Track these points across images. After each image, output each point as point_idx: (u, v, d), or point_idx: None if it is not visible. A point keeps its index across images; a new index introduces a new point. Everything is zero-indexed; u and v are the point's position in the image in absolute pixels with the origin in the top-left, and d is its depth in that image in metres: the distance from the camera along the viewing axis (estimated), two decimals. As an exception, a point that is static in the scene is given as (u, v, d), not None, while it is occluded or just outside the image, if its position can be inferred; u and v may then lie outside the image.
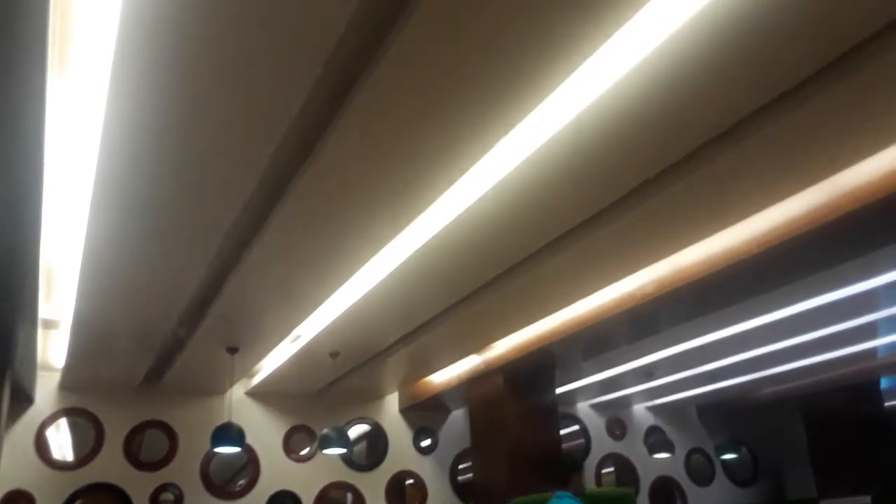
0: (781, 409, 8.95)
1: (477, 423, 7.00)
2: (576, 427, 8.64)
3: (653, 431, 9.03)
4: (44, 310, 4.89)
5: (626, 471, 8.69)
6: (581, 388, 7.93)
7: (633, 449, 8.84)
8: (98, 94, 2.60)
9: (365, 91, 2.60)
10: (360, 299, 4.73)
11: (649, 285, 4.62)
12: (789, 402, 8.69)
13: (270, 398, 7.44)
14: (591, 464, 8.53)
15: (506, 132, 2.95)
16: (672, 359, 6.87)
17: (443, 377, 7.04)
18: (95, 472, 6.58)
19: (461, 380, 6.78)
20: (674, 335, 6.15)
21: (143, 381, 6.69)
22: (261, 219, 3.65)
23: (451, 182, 3.36)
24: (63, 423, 6.72)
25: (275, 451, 7.32)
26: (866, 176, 3.38)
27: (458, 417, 8.11)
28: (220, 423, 6.17)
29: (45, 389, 6.60)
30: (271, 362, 6.51)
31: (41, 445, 6.49)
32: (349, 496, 7.56)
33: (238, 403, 7.16)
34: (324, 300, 4.80)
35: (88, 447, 6.66)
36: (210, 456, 6.99)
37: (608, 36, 2.43)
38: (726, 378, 7.76)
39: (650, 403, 9.03)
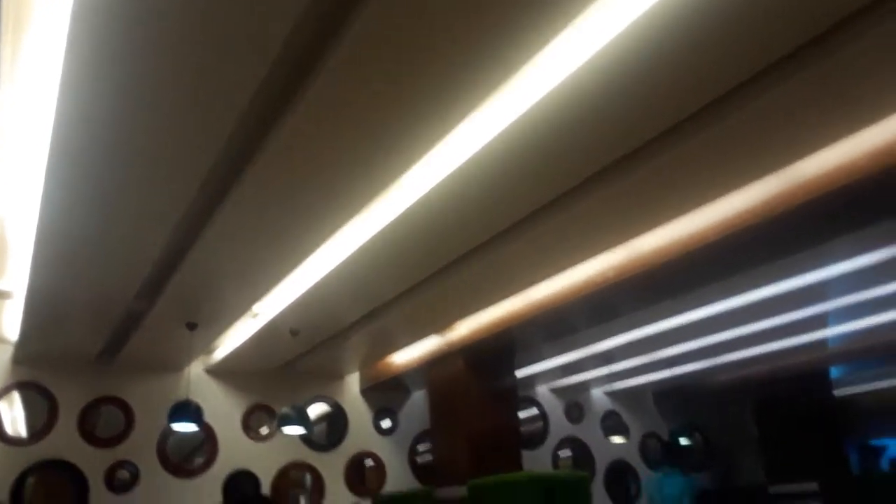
0: (734, 396, 9.18)
1: (437, 404, 7.05)
2: (535, 410, 8.75)
3: (609, 416, 9.19)
4: (-4, 280, 4.78)
5: (582, 454, 8.84)
6: (541, 372, 8.03)
7: (589, 433, 8.99)
8: (54, 61, 2.54)
9: (323, 76, 2.60)
10: (321, 278, 4.71)
11: (610, 271, 4.69)
12: (742, 390, 8.92)
13: (230, 376, 7.38)
14: (548, 446, 8.67)
15: (466, 117, 2.98)
16: (631, 344, 6.99)
17: (404, 358, 7.06)
18: (49, 449, 6.47)
19: (422, 361, 6.82)
20: (633, 321, 6.26)
21: (99, 355, 6.58)
22: (220, 195, 3.61)
23: (412, 164, 3.38)
24: (16, 397, 6.58)
25: (233, 430, 7.28)
26: (822, 167, 3.47)
27: (418, 399, 8.16)
28: (177, 400, 6.11)
29: (-3, 362, 6.47)
30: (231, 339, 6.45)
31: (-8, 420, 6.36)
32: (308, 476, 7.56)
33: (196, 380, 7.09)
34: (283, 277, 4.79)
35: (42, 422, 6.54)
36: (167, 433, 6.92)
37: (567, 25, 2.48)
38: (682, 364, 7.92)
39: (608, 388, 9.18)
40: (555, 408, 8.90)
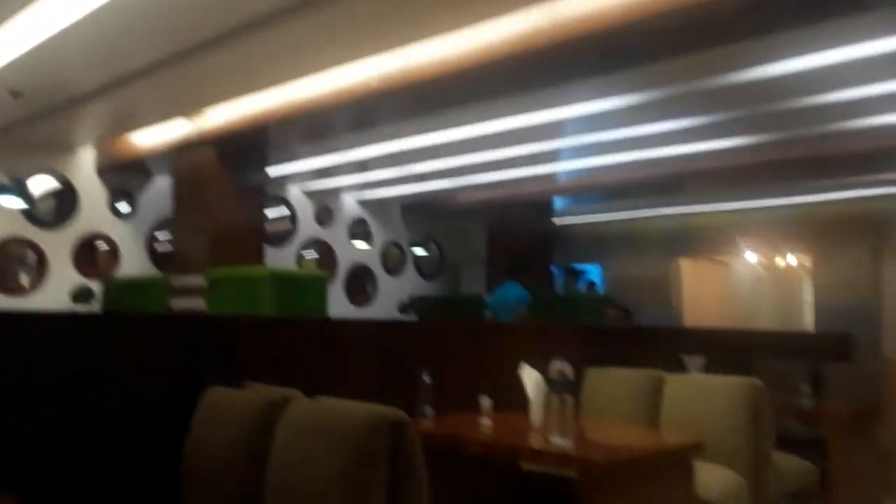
0: (472, 217, 10.05)
1: (182, 193, 6.78)
2: (285, 210, 8.83)
3: (358, 223, 9.61)
4: None
5: (327, 255, 9.23)
6: (295, 173, 8.02)
7: (336, 237, 9.36)
8: None
9: None
10: (55, 34, 4.14)
11: (374, 79, 4.70)
12: (480, 211, 9.77)
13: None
14: (295, 246, 8.89)
15: None
16: (386, 156, 7.20)
17: (149, 140, 6.60)
18: None
19: (170, 146, 6.44)
20: (389, 133, 6.42)
21: None
22: None
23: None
24: None
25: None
26: (583, 8, 3.71)
27: (162, 186, 7.75)
28: None
29: None
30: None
31: None
32: (29, 253, 7.03)
33: None
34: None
35: None
36: None
37: None
38: (430, 181, 8.39)
39: (359, 196, 9.50)
40: (305, 209, 9.04)
